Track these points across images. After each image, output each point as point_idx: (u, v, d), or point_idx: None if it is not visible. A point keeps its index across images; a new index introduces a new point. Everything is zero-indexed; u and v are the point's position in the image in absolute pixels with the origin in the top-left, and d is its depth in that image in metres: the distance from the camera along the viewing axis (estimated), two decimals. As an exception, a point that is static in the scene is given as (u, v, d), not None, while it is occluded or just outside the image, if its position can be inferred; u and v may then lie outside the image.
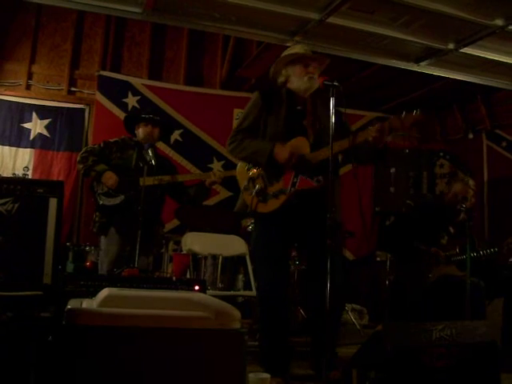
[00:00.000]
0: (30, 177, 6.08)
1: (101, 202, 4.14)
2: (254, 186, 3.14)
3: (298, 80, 3.20)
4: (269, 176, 3.14)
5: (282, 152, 3.02)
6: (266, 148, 3.07)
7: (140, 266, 3.78)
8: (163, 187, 4.27)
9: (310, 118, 3.16)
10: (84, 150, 4.33)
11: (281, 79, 3.30)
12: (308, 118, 3.17)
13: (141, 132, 4.33)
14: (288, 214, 3.08)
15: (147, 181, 4.02)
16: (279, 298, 3.11)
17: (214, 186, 6.62)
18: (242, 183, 3.24)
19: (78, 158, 4.25)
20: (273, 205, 3.09)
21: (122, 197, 4.12)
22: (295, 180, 3.07)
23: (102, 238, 4.20)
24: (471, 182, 4.38)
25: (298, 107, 3.21)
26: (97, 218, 4.20)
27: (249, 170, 3.22)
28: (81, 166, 4.20)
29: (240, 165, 3.32)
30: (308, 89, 3.19)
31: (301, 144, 3.08)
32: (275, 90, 3.31)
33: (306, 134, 3.12)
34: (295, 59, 3.22)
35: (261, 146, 3.11)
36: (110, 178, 4.09)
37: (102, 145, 4.31)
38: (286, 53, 3.33)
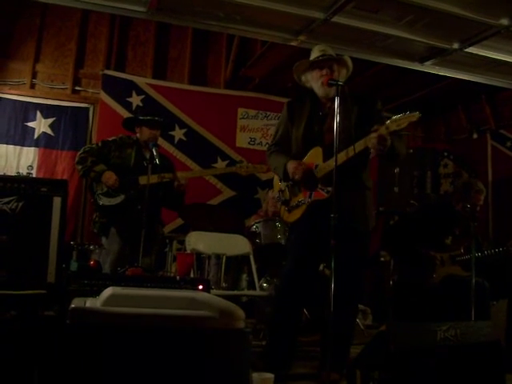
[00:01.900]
0: (34, 176, 6.07)
1: (101, 203, 4.13)
2: (283, 196, 3.31)
3: (315, 85, 3.18)
4: (292, 187, 3.26)
5: (291, 169, 3.13)
6: (282, 165, 3.19)
7: (142, 265, 3.78)
8: (165, 188, 4.24)
9: (330, 123, 3.11)
10: (82, 150, 4.27)
11: (307, 85, 3.28)
12: (329, 123, 3.14)
13: (145, 134, 4.30)
14: (309, 223, 3.15)
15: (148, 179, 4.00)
16: (293, 296, 3.17)
17: (218, 186, 6.72)
18: (276, 193, 3.45)
19: (77, 159, 4.21)
20: (295, 214, 3.23)
21: (123, 196, 4.11)
22: (311, 191, 3.15)
23: (103, 239, 4.20)
24: (484, 190, 4.31)
25: (320, 113, 3.20)
26: (97, 219, 4.19)
27: (280, 181, 3.36)
28: (80, 167, 4.16)
29: (276, 176, 3.46)
30: (326, 93, 3.12)
31: (315, 155, 3.13)
32: (303, 96, 3.31)
33: (322, 142, 3.13)
34: (312, 64, 3.18)
35: (279, 163, 3.24)
36: (109, 178, 4.08)
37: (100, 144, 4.29)
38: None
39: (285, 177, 3.20)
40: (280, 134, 3.36)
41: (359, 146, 2.89)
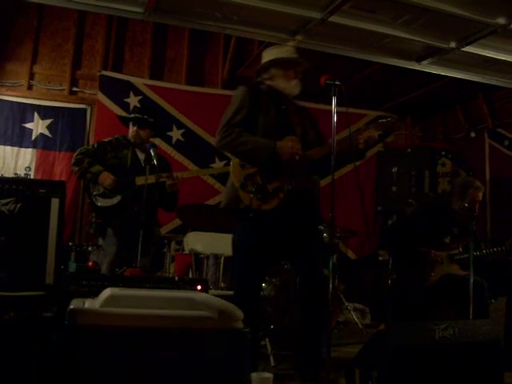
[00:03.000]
0: (31, 177, 6.07)
1: (98, 204, 4.11)
2: (252, 184, 3.07)
3: (286, 82, 3.23)
4: (266, 173, 3.08)
5: (286, 148, 3.01)
6: (269, 144, 3.04)
7: (140, 266, 3.77)
8: (161, 188, 4.21)
9: (296, 118, 3.22)
10: (78, 151, 4.23)
11: (265, 76, 3.30)
12: (294, 118, 3.22)
13: (129, 132, 4.30)
14: (284, 212, 3.04)
15: (144, 179, 3.97)
16: (253, 298, 3.15)
17: (216, 187, 6.71)
18: (237, 180, 3.14)
19: (73, 161, 4.17)
20: (272, 202, 3.05)
21: (119, 197, 4.09)
22: (292, 178, 3.07)
23: (100, 240, 4.19)
24: (482, 187, 4.34)
25: (283, 106, 3.24)
26: (93, 219, 4.18)
27: (243, 167, 3.14)
28: (76, 169, 4.13)
29: (234, 162, 3.22)
30: (294, 92, 3.26)
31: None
32: (258, 85, 3.33)
33: (295, 133, 3.15)
34: (287, 62, 3.24)
35: (262, 142, 3.06)
36: (106, 179, 4.05)
37: (95, 145, 4.27)
38: (274, 52, 3.30)
39: (271, 157, 3.02)
40: (241, 117, 3.17)
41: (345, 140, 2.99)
